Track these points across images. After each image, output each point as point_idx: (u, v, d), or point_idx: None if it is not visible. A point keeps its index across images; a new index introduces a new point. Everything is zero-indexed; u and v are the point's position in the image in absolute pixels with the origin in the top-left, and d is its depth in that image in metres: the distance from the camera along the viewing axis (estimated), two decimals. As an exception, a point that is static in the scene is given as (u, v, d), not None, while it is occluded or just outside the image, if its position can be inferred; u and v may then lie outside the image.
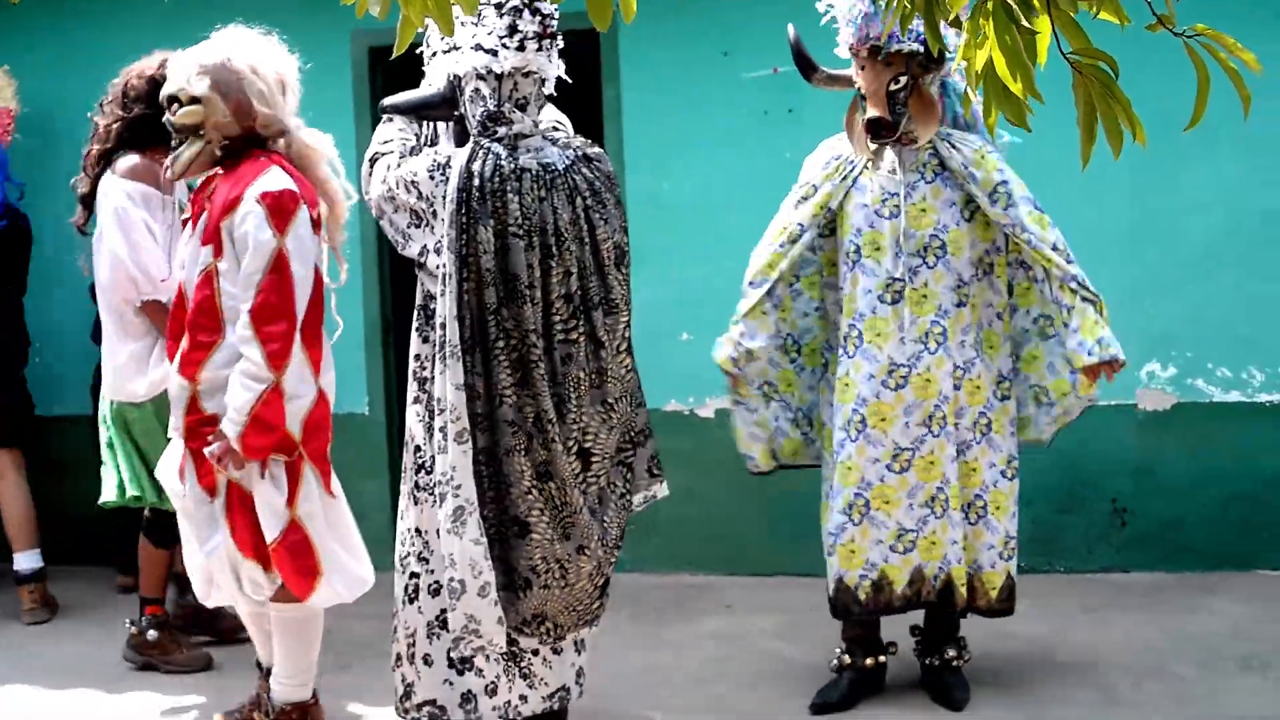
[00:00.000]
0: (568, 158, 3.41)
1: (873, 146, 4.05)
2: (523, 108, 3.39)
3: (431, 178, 3.34)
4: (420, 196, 3.35)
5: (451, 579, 3.29)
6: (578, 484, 3.33)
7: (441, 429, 3.28)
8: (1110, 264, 5.59)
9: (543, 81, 3.43)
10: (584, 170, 3.40)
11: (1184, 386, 5.61)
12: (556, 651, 3.53)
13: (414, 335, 3.54)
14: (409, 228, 3.41)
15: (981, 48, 1.61)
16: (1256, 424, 5.58)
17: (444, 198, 3.28)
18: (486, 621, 3.28)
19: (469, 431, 3.24)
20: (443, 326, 3.26)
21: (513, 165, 3.29)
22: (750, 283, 4.26)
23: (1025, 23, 1.56)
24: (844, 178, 4.12)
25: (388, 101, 3.60)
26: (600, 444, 3.38)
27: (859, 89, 4.04)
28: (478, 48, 3.29)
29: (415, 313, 3.55)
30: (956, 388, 4.04)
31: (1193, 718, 3.96)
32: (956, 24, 1.99)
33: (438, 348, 3.29)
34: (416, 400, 3.53)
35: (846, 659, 4.23)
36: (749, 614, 5.16)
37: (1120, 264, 5.61)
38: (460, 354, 3.23)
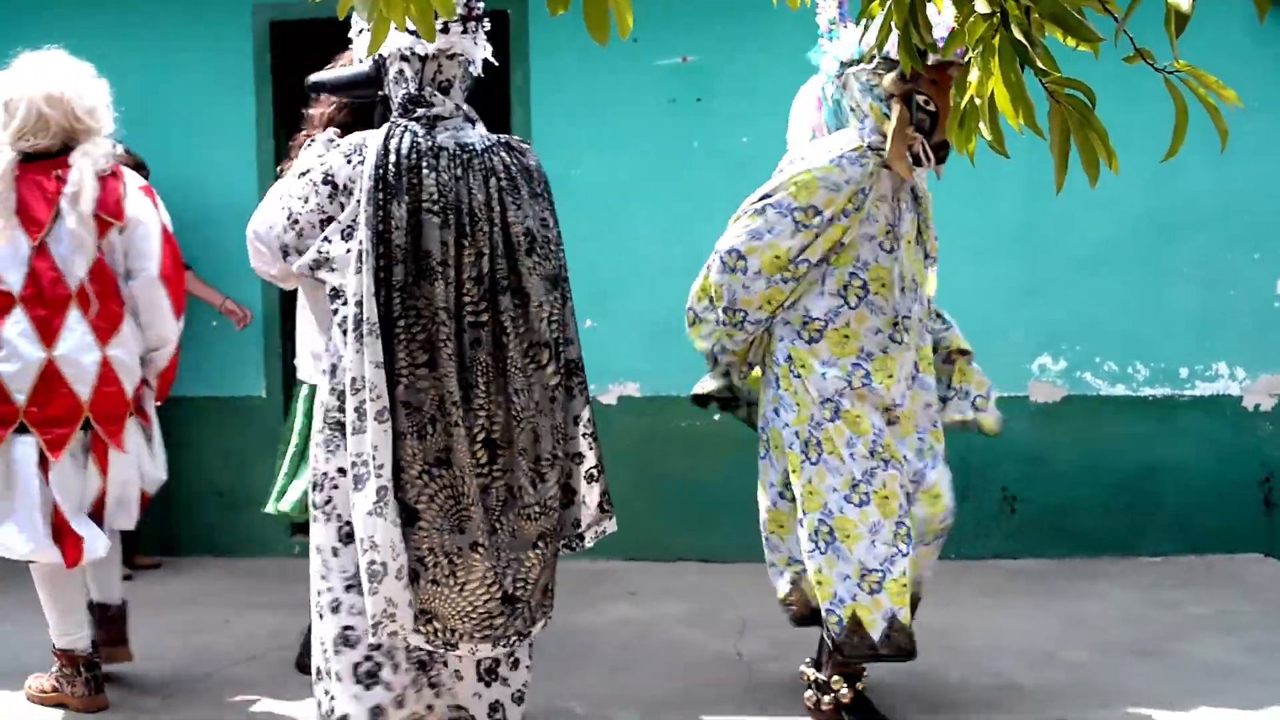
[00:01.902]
0: (488, 140, 3.35)
1: (913, 169, 3.80)
2: (446, 90, 3.33)
3: (348, 161, 3.24)
4: (335, 189, 3.24)
5: (373, 562, 3.15)
6: (478, 476, 3.20)
7: (357, 409, 3.16)
8: (1004, 263, 5.78)
9: (468, 64, 3.38)
10: (502, 154, 3.33)
11: (1073, 380, 5.81)
12: (459, 677, 3.39)
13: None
14: (324, 243, 3.25)
15: (985, 82, 1.65)
16: (1140, 416, 5.80)
17: (362, 177, 3.20)
18: (402, 606, 3.18)
19: (389, 410, 3.13)
20: (358, 304, 3.14)
21: (430, 143, 3.22)
22: (747, 318, 3.88)
23: (1040, 64, 1.60)
24: (857, 208, 3.79)
25: (314, 78, 3.54)
26: (506, 437, 3.23)
27: (924, 102, 3.71)
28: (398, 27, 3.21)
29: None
30: (934, 424, 3.98)
31: (1092, 703, 4.10)
32: (933, 48, 2.04)
33: (352, 327, 3.16)
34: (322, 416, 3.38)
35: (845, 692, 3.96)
36: (654, 600, 5.21)
37: (1013, 264, 5.79)
38: (379, 332, 3.13)
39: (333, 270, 3.23)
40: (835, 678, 3.93)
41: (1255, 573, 5.67)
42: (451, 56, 3.31)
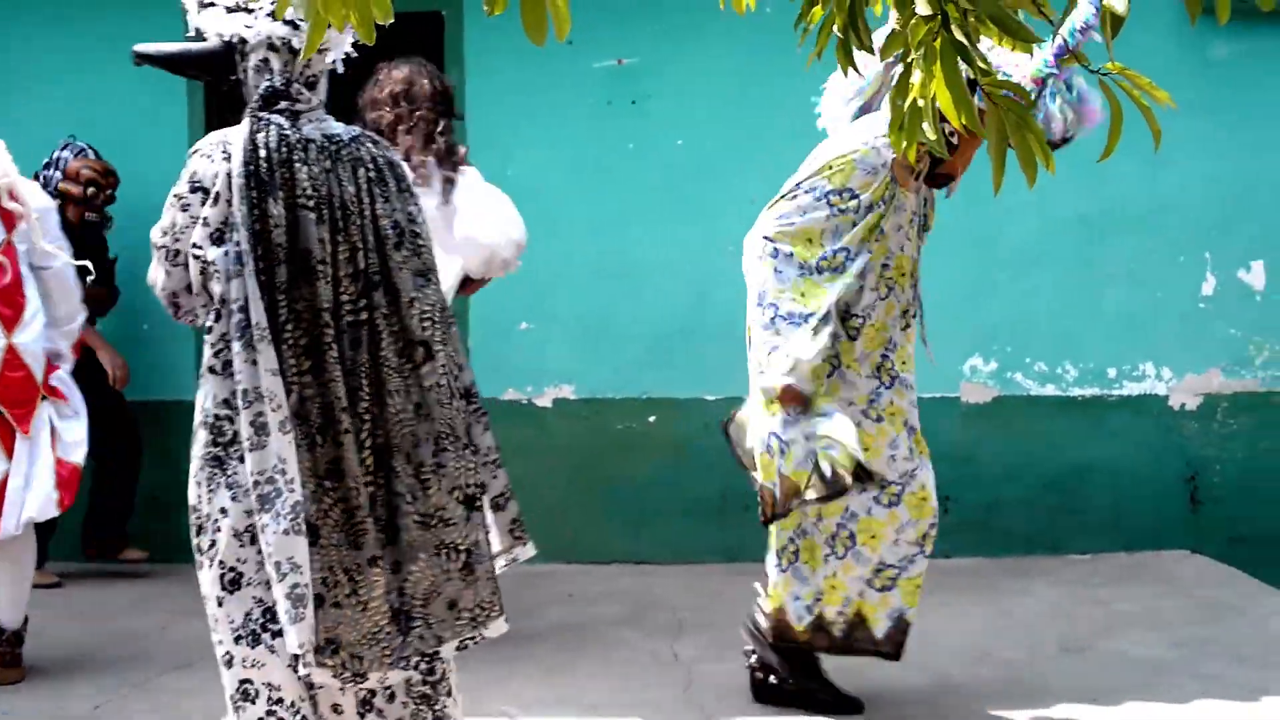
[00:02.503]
0: (353, 131, 3.19)
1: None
2: (312, 86, 3.16)
3: (210, 158, 3.05)
4: (207, 193, 3.03)
5: (296, 585, 2.89)
6: (366, 485, 3.00)
7: (254, 423, 2.93)
8: (936, 265, 5.80)
9: (332, 60, 3.20)
10: (369, 145, 3.17)
11: (1004, 380, 5.89)
12: (338, 712, 3.13)
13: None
14: (195, 249, 3.05)
15: (928, 84, 1.67)
16: (1070, 416, 5.89)
17: (228, 174, 3.00)
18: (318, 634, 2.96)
19: (290, 420, 2.93)
20: (241, 310, 2.95)
21: (297, 135, 3.06)
22: (778, 313, 3.68)
23: (982, 64, 1.63)
24: (892, 196, 3.69)
25: (141, 48, 3.22)
26: (389, 442, 3.04)
27: (949, 133, 3.57)
28: (275, 16, 3.08)
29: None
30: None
31: (1023, 700, 4.15)
32: (870, 51, 2.06)
33: (237, 335, 2.95)
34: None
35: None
36: (590, 603, 5.21)
37: (945, 265, 5.82)
38: (270, 337, 2.93)
39: (216, 276, 3.02)
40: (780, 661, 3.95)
41: (1182, 569, 5.77)
42: (322, 51, 3.14)
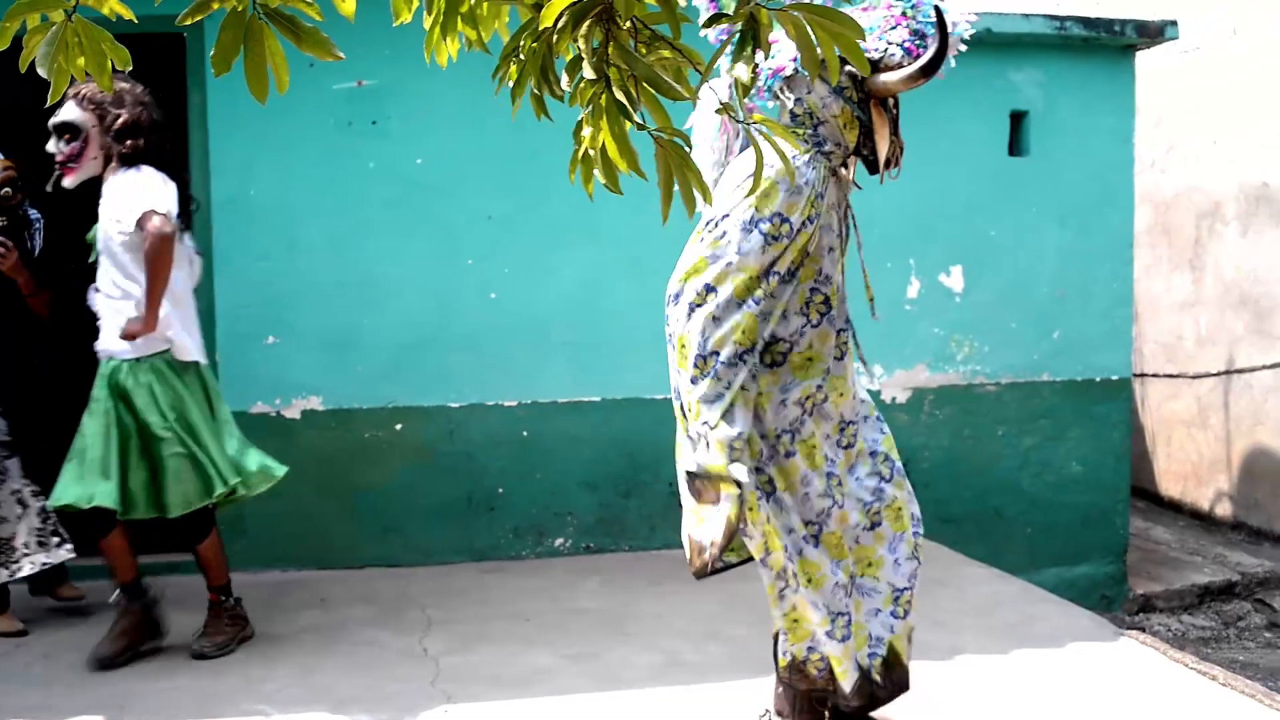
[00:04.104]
0: None
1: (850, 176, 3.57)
2: None
3: None
4: None
5: None
6: None
7: None
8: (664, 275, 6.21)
9: None
10: None
11: (730, 380, 6.30)
12: None
13: None
14: None
15: (596, 136, 1.98)
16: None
17: None
18: None
19: None
20: None
21: None
22: (725, 360, 3.29)
23: (637, 119, 1.94)
24: (818, 215, 3.39)
25: None
26: None
27: (893, 104, 3.49)
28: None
29: None
30: (884, 431, 3.76)
31: (748, 671, 4.53)
32: (561, 99, 2.36)
33: None
34: None
35: None
36: (343, 606, 5.39)
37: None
38: None
39: None
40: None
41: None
42: None
